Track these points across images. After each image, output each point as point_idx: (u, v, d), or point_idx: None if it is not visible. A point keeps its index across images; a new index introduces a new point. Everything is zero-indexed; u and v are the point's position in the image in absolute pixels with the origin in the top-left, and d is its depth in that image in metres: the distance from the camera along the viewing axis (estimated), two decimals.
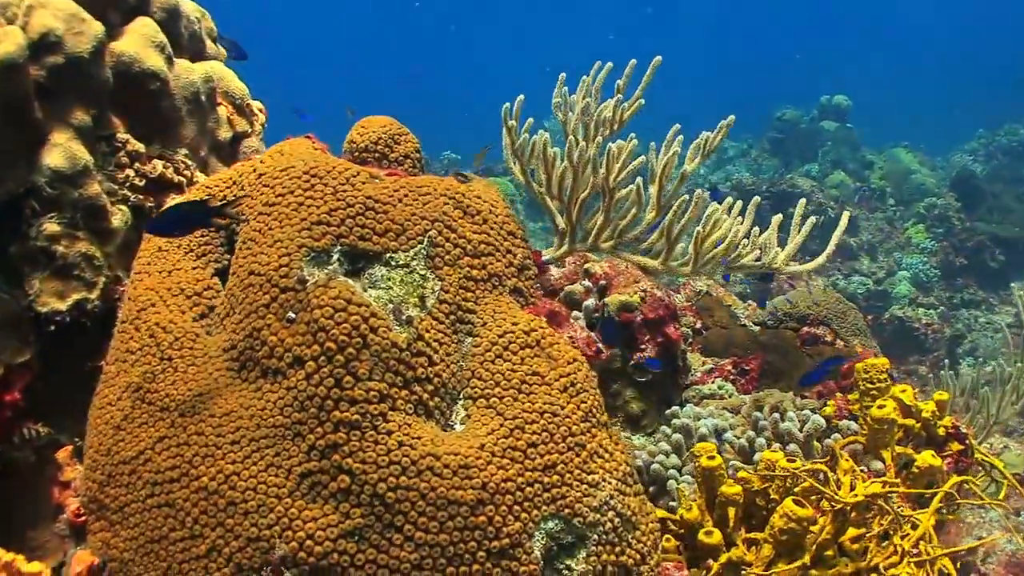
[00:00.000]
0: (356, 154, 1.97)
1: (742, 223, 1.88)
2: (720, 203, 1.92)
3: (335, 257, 1.66)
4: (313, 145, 1.88)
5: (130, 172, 1.91)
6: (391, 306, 1.63)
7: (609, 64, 1.96)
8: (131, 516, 1.63)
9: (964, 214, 9.48)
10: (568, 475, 1.65)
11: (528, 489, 1.60)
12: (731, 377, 2.98)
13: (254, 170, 1.83)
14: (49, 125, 1.78)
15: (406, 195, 1.76)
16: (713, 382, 2.95)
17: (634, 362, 2.80)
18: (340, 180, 1.73)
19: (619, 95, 1.94)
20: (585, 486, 1.66)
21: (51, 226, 1.78)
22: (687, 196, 1.83)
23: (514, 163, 1.98)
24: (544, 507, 1.61)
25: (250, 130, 2.31)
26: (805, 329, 3.16)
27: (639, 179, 1.79)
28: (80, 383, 1.84)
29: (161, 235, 1.74)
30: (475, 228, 1.79)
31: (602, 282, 2.83)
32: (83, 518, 1.73)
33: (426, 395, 1.63)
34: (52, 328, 1.80)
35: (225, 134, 2.23)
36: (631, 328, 2.79)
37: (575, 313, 2.85)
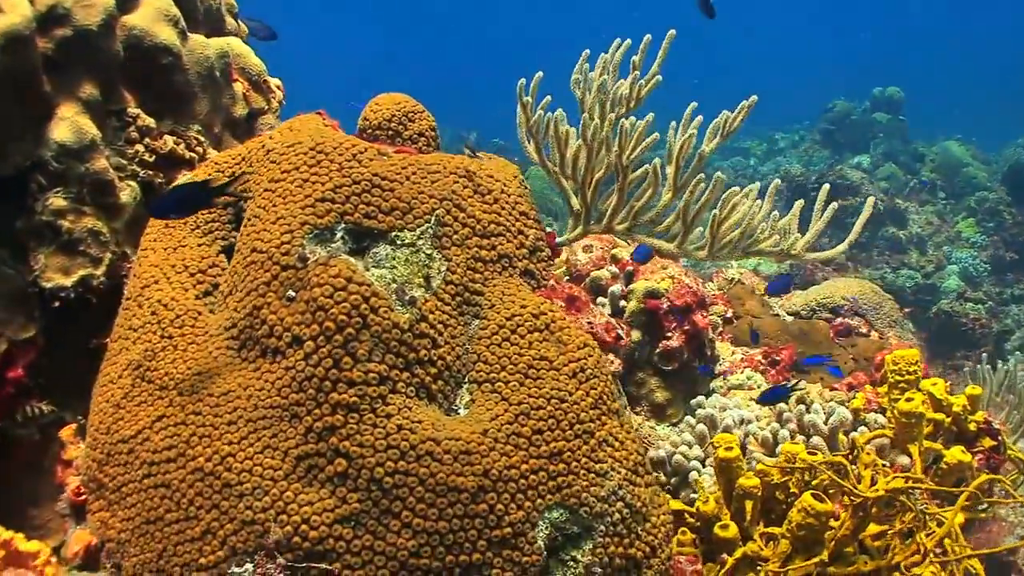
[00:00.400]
0: (369, 132, 1.93)
1: (761, 207, 1.81)
2: None
3: (339, 235, 1.62)
4: (323, 121, 1.84)
5: (139, 147, 1.88)
6: (394, 286, 1.59)
7: (628, 41, 1.90)
8: (128, 496, 1.61)
9: (1016, 208, 9.24)
10: (575, 463, 1.59)
11: (532, 477, 1.55)
12: (761, 367, 2.90)
13: (262, 146, 1.79)
14: (57, 99, 1.76)
15: (414, 173, 1.71)
16: (742, 372, 2.88)
17: (660, 350, 2.74)
18: (346, 157, 1.68)
19: (635, 72, 1.87)
20: (593, 475, 1.60)
21: (57, 200, 1.75)
22: (704, 178, 1.75)
23: (528, 142, 1.92)
24: (549, 496, 1.56)
25: (267, 107, 2.28)
26: (839, 320, 3.08)
27: (656, 160, 1.73)
28: (85, 360, 1.82)
29: (163, 217, 1.72)
30: (485, 208, 1.74)
31: (629, 268, 2.77)
32: (83, 497, 1.71)
33: (428, 378, 1.58)
34: (57, 304, 1.77)
35: (241, 111, 2.20)
36: (657, 315, 2.73)
37: (601, 299, 2.80)
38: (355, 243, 1.64)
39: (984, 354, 3.70)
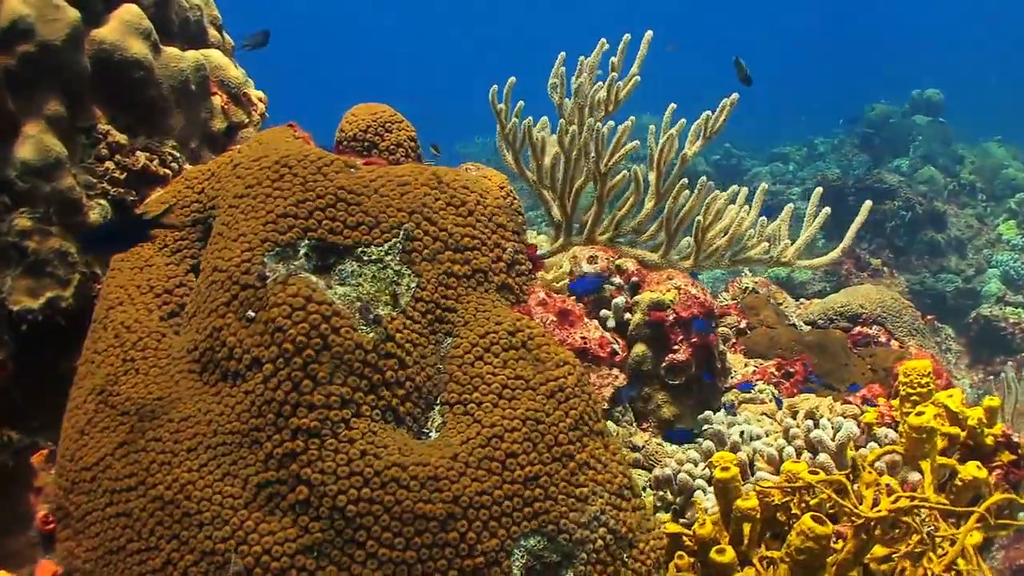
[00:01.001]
0: (345, 143, 1.87)
1: (748, 212, 1.72)
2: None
3: (302, 252, 1.57)
4: (294, 134, 1.78)
5: (110, 165, 1.84)
6: (358, 304, 1.52)
7: (603, 41, 1.82)
8: (92, 525, 1.56)
9: None
10: (552, 488, 1.52)
11: (506, 503, 1.48)
12: (774, 380, 2.80)
13: (231, 160, 1.74)
14: (22, 116, 1.72)
15: (383, 185, 1.65)
16: (754, 385, 2.78)
17: (666, 364, 2.65)
18: (311, 170, 1.63)
19: (613, 73, 1.80)
20: (572, 500, 1.53)
21: (22, 221, 1.71)
22: (688, 183, 1.67)
23: (507, 150, 1.85)
24: (525, 523, 1.49)
25: (247, 120, 2.23)
26: (857, 329, 2.97)
27: (637, 167, 1.65)
28: (58, 384, 1.78)
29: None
30: (459, 220, 1.67)
31: (634, 279, 2.68)
32: (51, 525, 1.67)
33: (396, 400, 1.52)
34: (24, 327, 1.73)
35: (220, 124, 2.15)
36: (663, 328, 2.64)
37: (604, 312, 2.72)
38: (320, 260, 1.58)
39: (1009, 362, 3.56)
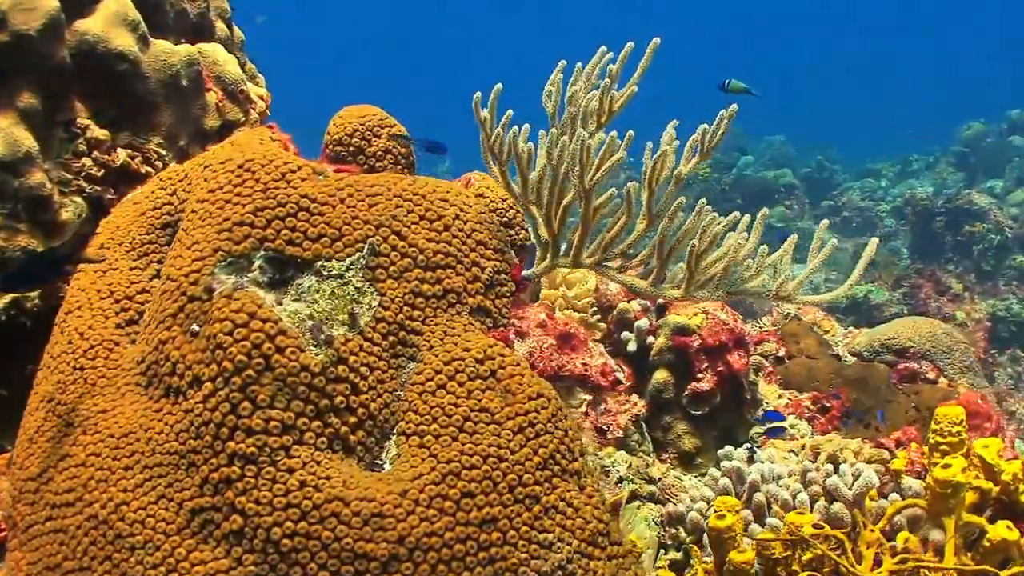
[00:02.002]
0: (330, 148, 1.80)
1: (747, 240, 1.59)
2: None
3: (257, 263, 1.49)
4: (271, 135, 1.71)
5: (87, 161, 1.79)
6: (310, 323, 1.44)
7: (603, 48, 1.70)
8: (34, 538, 1.51)
9: None
10: (513, 532, 1.42)
11: (458, 547, 1.38)
12: (808, 414, 2.66)
13: (203, 162, 1.68)
14: None
15: (351, 195, 1.56)
16: (784, 419, 2.64)
17: (689, 392, 2.54)
18: (274, 176, 1.55)
19: (609, 82, 1.68)
20: (535, 546, 1.43)
21: None
22: (683, 204, 1.55)
23: (492, 163, 1.75)
24: (479, 568, 1.39)
25: (243, 119, 2.17)
26: (903, 364, 2.79)
27: (630, 184, 1.54)
28: (26, 388, 1.74)
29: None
30: (431, 235, 1.58)
31: (661, 300, 2.57)
32: (3, 533, 1.63)
33: (345, 428, 1.43)
34: None
35: (213, 122, 2.09)
36: (687, 354, 2.53)
37: (625, 334, 2.61)
38: (277, 273, 1.50)
39: None
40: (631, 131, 1.60)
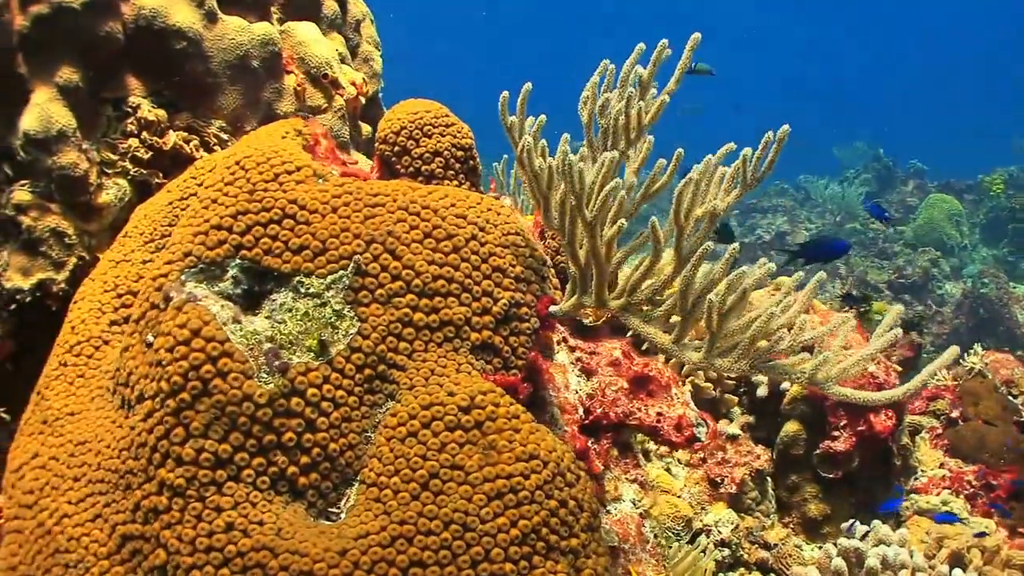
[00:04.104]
0: (377, 147, 1.68)
1: (790, 307, 1.31)
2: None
3: (231, 273, 1.39)
4: (299, 128, 1.60)
5: (133, 142, 1.77)
6: (267, 346, 1.33)
7: (641, 45, 1.45)
8: (7, 533, 1.50)
9: None
10: None
11: None
12: (968, 491, 2.29)
13: (228, 152, 1.60)
14: (33, 82, 1.68)
15: (347, 203, 1.43)
16: (938, 494, 2.29)
17: (820, 452, 2.24)
18: (266, 176, 1.44)
19: (636, 91, 1.44)
20: None
21: (21, 194, 1.69)
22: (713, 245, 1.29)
23: (523, 177, 1.55)
24: None
25: (325, 105, 2.08)
26: None
27: (653, 219, 1.31)
28: None
29: None
30: (435, 257, 1.42)
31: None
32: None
33: (294, 469, 1.31)
34: (13, 307, 1.71)
35: (288, 107, 2.02)
36: (822, 407, 2.24)
37: (759, 377, 2.34)
38: (254, 284, 1.40)
39: None
40: (662, 159, 1.36)
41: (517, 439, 1.35)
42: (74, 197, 1.71)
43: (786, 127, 1.31)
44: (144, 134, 1.78)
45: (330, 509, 1.34)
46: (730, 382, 2.43)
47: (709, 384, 2.38)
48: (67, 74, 1.70)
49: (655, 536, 1.75)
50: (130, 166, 1.78)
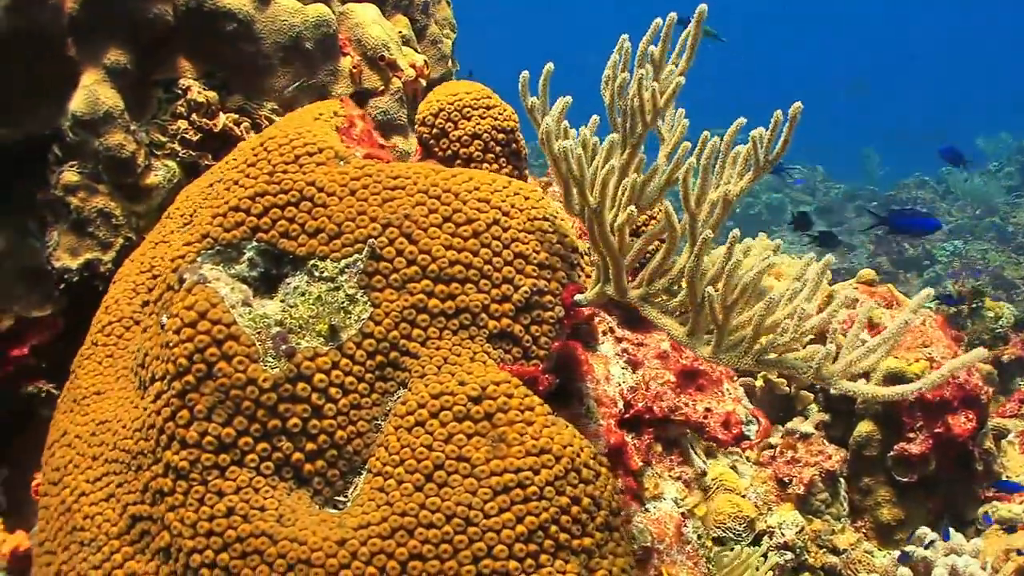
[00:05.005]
0: (416, 128, 1.66)
1: (803, 296, 1.21)
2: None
3: (247, 255, 1.39)
4: (335, 110, 1.58)
5: (182, 124, 1.79)
6: (276, 330, 1.32)
7: (658, 20, 1.36)
8: (40, 509, 1.54)
9: None
10: None
11: None
12: None
13: (257, 136, 1.61)
14: (82, 65, 1.72)
15: (365, 186, 1.41)
16: (1022, 502, 2.16)
17: (894, 454, 2.13)
18: (287, 158, 1.43)
19: (646, 70, 1.36)
20: None
21: (69, 175, 1.73)
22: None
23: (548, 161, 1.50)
24: None
25: (382, 87, 2.06)
26: None
27: (665, 203, 1.24)
28: None
29: None
30: (453, 242, 1.39)
31: None
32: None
33: (299, 455, 1.30)
34: (62, 286, 1.76)
35: (343, 89, 2.01)
36: (896, 408, 2.12)
37: None
38: (271, 267, 1.39)
39: None
40: (686, 142, 1.28)
41: (529, 432, 1.31)
42: (121, 178, 1.74)
43: (798, 104, 1.23)
44: (194, 116, 1.80)
45: (337, 497, 1.33)
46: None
47: (782, 380, 2.28)
48: (115, 56, 1.73)
49: (698, 537, 1.69)
50: (179, 148, 1.80)
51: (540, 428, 1.32)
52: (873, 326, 2.25)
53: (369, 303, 1.36)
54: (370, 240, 1.38)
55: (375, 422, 1.34)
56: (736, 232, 1.18)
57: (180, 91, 1.82)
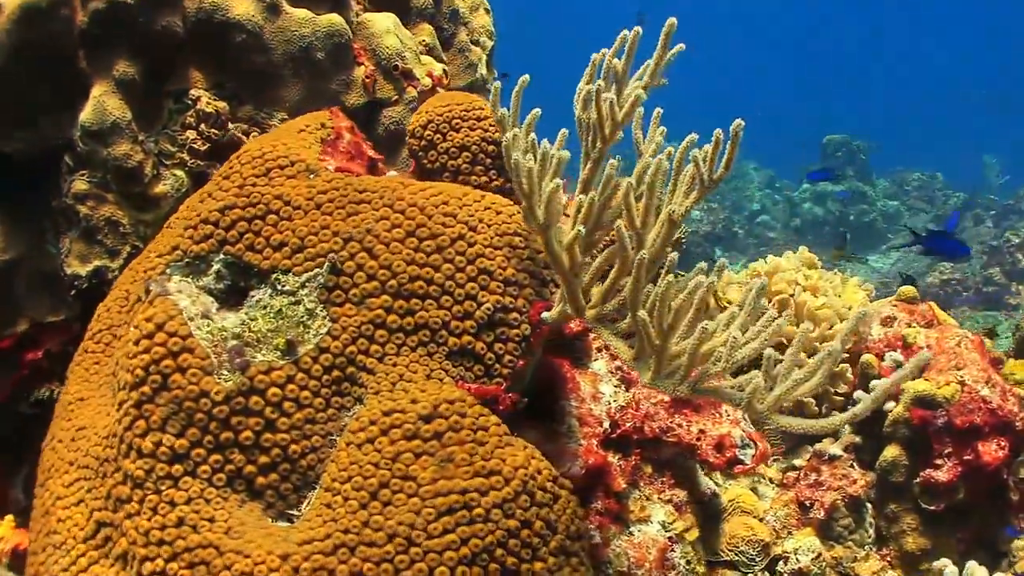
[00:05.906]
0: (407, 140, 1.67)
1: (738, 323, 1.16)
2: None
3: (214, 268, 1.42)
4: (323, 121, 1.61)
5: (191, 134, 1.84)
6: (232, 343, 1.34)
7: (625, 33, 1.32)
8: (33, 508, 1.61)
9: None
10: None
11: None
12: None
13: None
14: (92, 76, 1.78)
15: (332, 200, 1.42)
16: None
17: (920, 481, 2.06)
18: (258, 171, 1.46)
19: (600, 82, 1.32)
20: None
21: (80, 184, 1.79)
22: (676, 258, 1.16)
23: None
24: None
25: (396, 97, 2.07)
26: None
27: (619, 221, 1.21)
28: None
29: None
30: (415, 256, 1.39)
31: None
32: None
33: (251, 468, 1.32)
34: (73, 292, 1.82)
35: (356, 100, 2.03)
36: (925, 432, 2.05)
37: (859, 393, 2.17)
38: (238, 280, 1.42)
39: None
40: (615, 158, 1.24)
41: (480, 452, 1.31)
42: (128, 187, 1.80)
43: (739, 121, 1.19)
44: (202, 126, 1.85)
45: (290, 511, 1.35)
46: (837, 398, 2.26)
47: (811, 400, 2.22)
48: (123, 67, 1.79)
49: (687, 563, 1.65)
50: (187, 157, 1.85)
51: (491, 449, 1.32)
52: (907, 347, 2.17)
53: (328, 318, 1.38)
54: (331, 254, 1.39)
55: (330, 437, 1.36)
56: (675, 256, 1.15)
57: (190, 101, 1.87)
